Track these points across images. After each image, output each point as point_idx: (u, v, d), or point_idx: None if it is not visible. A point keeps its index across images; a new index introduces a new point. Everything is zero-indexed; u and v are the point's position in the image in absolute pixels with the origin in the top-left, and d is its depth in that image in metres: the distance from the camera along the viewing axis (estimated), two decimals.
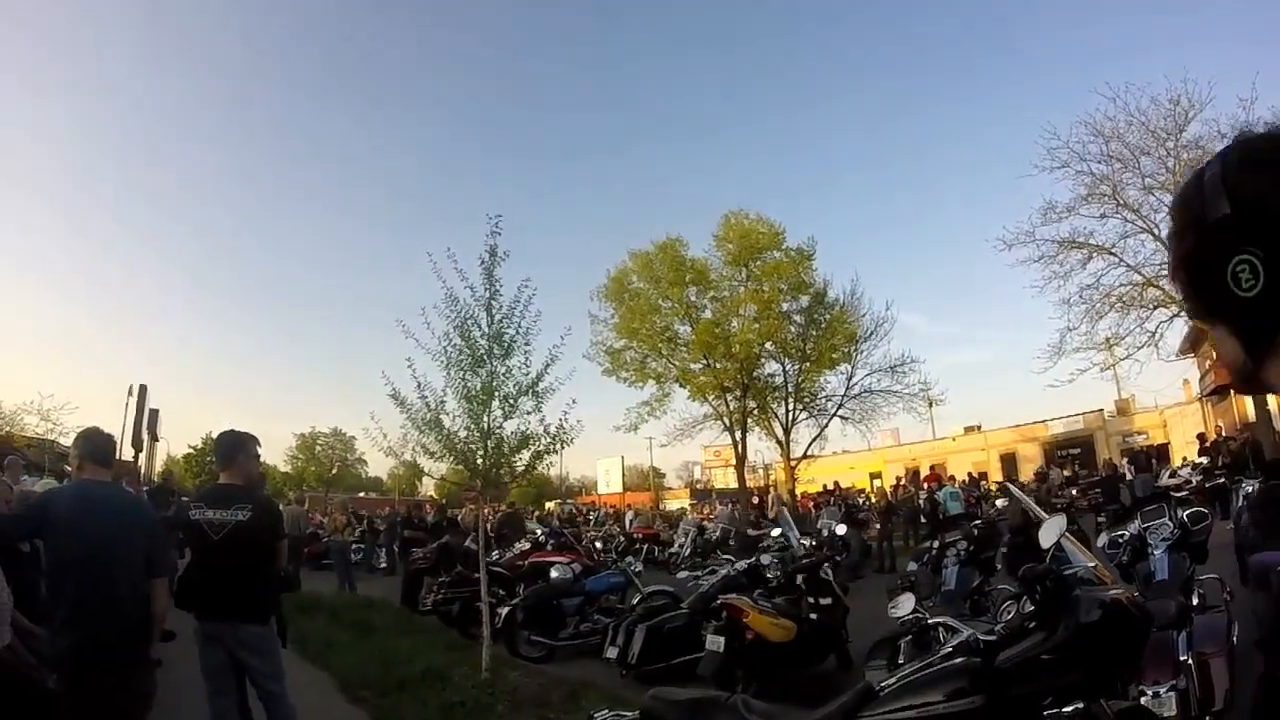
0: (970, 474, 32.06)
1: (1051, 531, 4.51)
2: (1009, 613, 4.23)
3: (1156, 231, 23.16)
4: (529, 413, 8.25)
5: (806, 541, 10.18)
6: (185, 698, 5.33)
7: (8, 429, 31.92)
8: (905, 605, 4.85)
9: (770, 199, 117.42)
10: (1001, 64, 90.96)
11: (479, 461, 8.10)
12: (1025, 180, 24.92)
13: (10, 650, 3.78)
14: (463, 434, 8.11)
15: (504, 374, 8.13)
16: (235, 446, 5.09)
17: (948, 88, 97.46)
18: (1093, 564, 4.47)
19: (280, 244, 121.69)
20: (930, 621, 4.70)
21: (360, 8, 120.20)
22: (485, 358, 8.05)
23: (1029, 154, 32.07)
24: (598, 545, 18.68)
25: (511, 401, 8.12)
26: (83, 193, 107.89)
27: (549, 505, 43.86)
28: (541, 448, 8.34)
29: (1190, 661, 4.46)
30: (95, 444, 4.29)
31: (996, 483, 31.31)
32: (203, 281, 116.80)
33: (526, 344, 8.25)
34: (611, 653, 8.69)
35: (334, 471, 73.00)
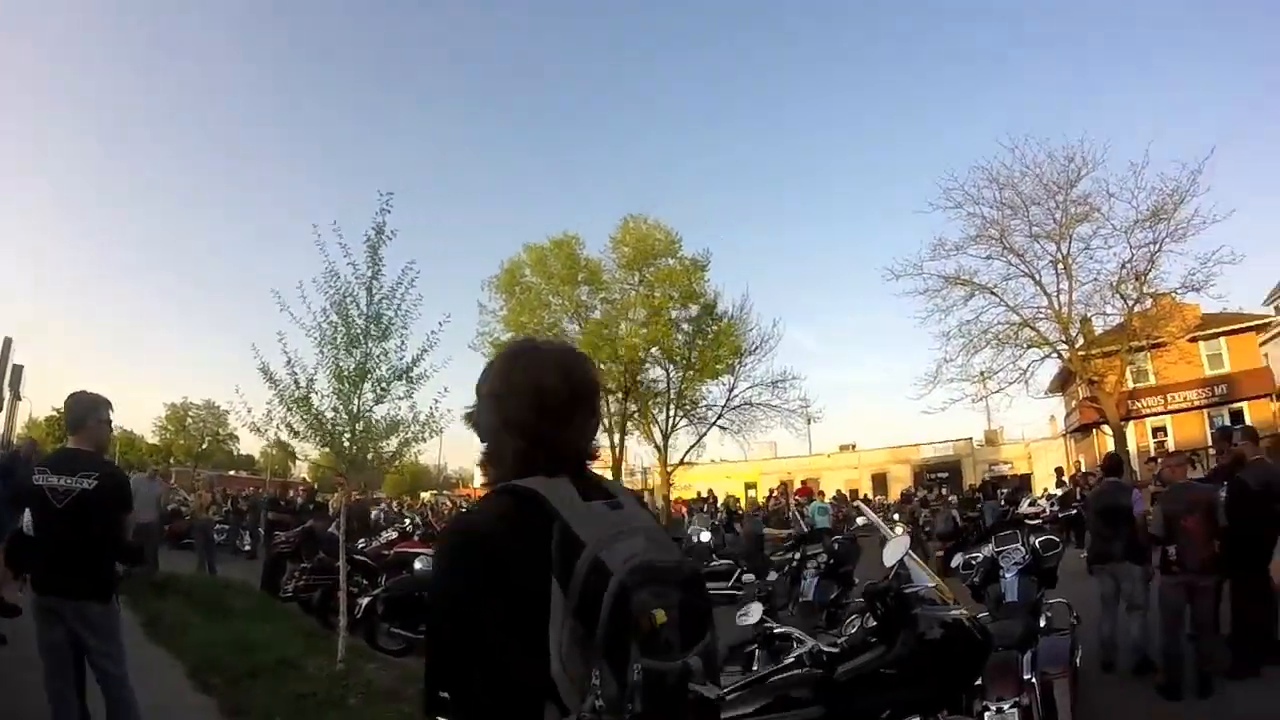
0: (840, 490, 32.85)
1: (894, 551, 4.65)
2: (854, 626, 4.34)
3: (1037, 276, 24.67)
4: (401, 398, 8.07)
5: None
6: (33, 675, 4.94)
7: None
8: (753, 614, 4.92)
9: (670, 208, 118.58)
10: (908, 101, 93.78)
11: (345, 444, 7.87)
12: (919, 215, 26.27)
13: None
14: (330, 415, 7.86)
15: (379, 356, 7.90)
16: (86, 409, 4.76)
17: (856, 122, 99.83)
18: (933, 584, 4.63)
19: (163, 203, 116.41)
20: (776, 631, 4.78)
21: None
22: (361, 338, 7.81)
23: (926, 191, 33.57)
24: None
25: (384, 385, 7.91)
26: None
27: (424, 496, 43.03)
28: (410, 435, 8.18)
29: (1034, 681, 4.64)
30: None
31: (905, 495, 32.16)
32: (79, 235, 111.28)
33: (405, 327, 8.06)
34: None
35: (204, 446, 70.51)
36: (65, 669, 4.51)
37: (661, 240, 30.60)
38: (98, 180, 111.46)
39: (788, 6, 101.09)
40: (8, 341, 19.17)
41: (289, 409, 7.76)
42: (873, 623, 4.27)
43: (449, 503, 36.78)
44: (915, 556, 5.01)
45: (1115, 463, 9.23)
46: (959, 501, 25.87)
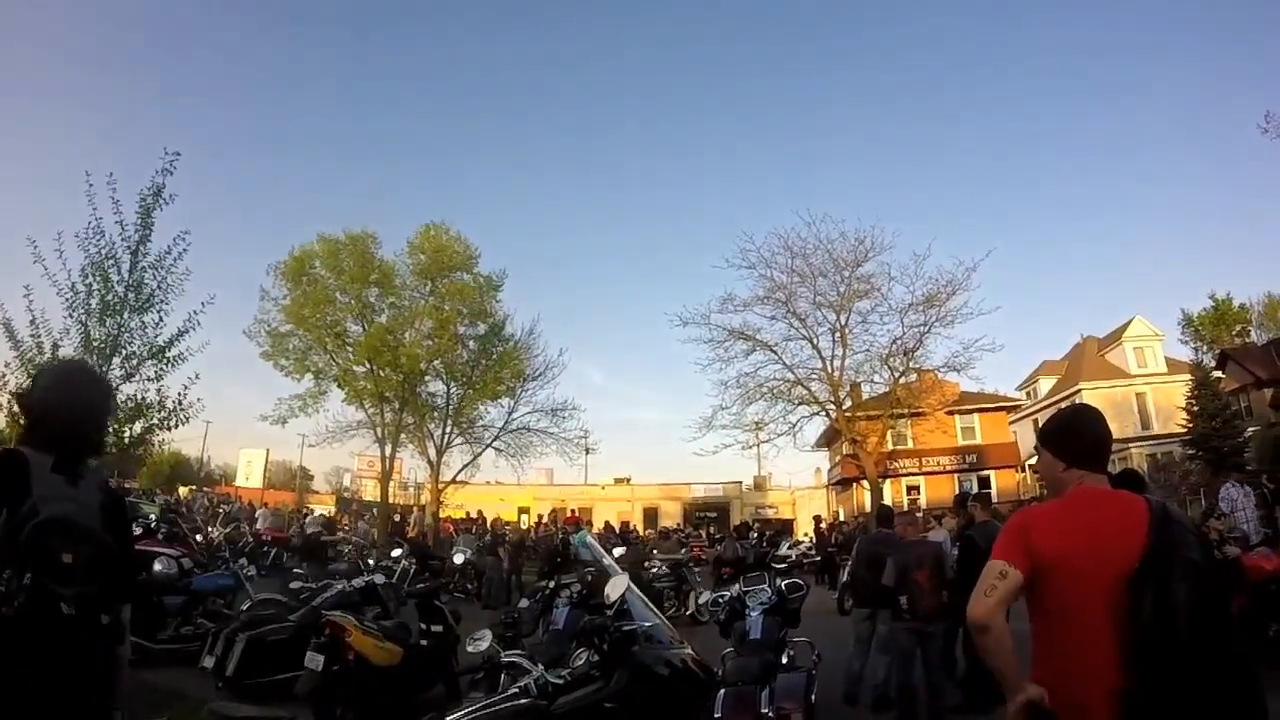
0: (608, 522, 33.24)
1: (615, 588, 4.78)
2: (581, 659, 4.35)
3: (815, 341, 26.78)
4: (150, 379, 7.40)
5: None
6: None
7: None
8: (484, 640, 4.83)
9: (471, 223, 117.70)
10: (719, 161, 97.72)
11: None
12: (715, 270, 28.15)
13: None
14: None
15: (135, 329, 7.24)
16: None
17: (671, 172, 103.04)
18: (654, 621, 4.74)
19: None
20: (503, 659, 4.72)
21: None
22: (119, 307, 7.08)
23: (723, 247, 36.78)
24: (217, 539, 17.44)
25: (136, 362, 7.25)
26: None
27: (182, 490, 40.24)
28: (157, 421, 7.51)
29: (770, 714, 4.86)
30: None
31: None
32: None
33: (166, 302, 7.42)
34: (208, 661, 7.98)
35: None
36: None
37: (459, 253, 30.11)
38: None
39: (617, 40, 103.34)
40: None
41: (27, 374, 6.91)
42: (595, 657, 4.29)
43: (207, 501, 34.55)
44: (638, 593, 5.13)
45: (887, 514, 9.82)
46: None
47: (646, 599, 5.38)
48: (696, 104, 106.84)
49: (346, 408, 30.28)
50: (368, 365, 28.65)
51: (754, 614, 6.63)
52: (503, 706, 3.97)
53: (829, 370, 26.81)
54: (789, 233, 27.12)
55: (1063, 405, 33.79)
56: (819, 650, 7.06)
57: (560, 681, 4.16)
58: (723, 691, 4.92)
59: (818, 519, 28.40)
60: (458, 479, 30.75)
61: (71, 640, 2.51)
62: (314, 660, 7.04)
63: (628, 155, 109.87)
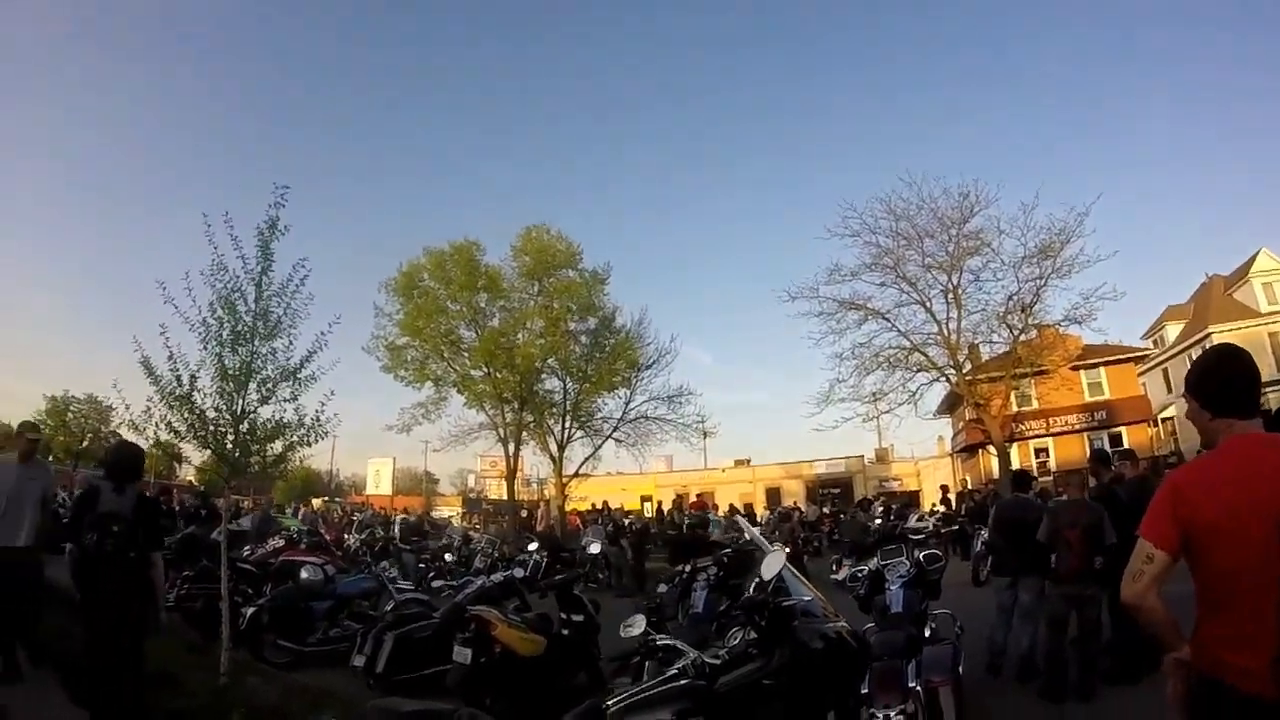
0: (733, 505, 33.11)
1: (773, 565, 4.71)
2: (736, 638, 4.37)
3: (928, 304, 25.66)
4: (287, 400, 7.76)
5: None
6: None
7: None
8: (637, 625, 4.90)
9: (572, 221, 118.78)
10: (816, 132, 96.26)
11: (228, 447, 7.50)
12: (819, 242, 27.24)
13: None
14: (213, 415, 7.46)
15: (266, 355, 7.58)
16: None
17: (762, 148, 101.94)
18: (811, 597, 4.69)
19: (47, 187, 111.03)
20: (659, 643, 4.77)
21: None
22: (248, 335, 7.48)
23: (826, 218, 34.97)
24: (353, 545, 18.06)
25: (270, 385, 7.60)
26: None
27: (315, 502, 41.82)
28: (296, 438, 7.87)
29: (919, 688, 4.70)
30: None
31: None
32: None
33: (294, 326, 7.76)
34: (358, 661, 8.28)
35: (84, 444, 67.01)
36: None
37: (562, 251, 30.46)
38: None
39: (693, 31, 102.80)
40: None
41: (170, 407, 7.35)
42: (753, 635, 4.30)
43: (340, 510, 35.86)
44: (794, 570, 5.07)
45: (1024, 478, 9.53)
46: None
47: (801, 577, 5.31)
48: (785, 71, 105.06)
49: (468, 411, 31.19)
50: (485, 369, 29.38)
51: (894, 587, 6.49)
52: (665, 689, 4.03)
53: (945, 333, 25.81)
54: (890, 195, 26.16)
55: (1192, 351, 32.13)
56: (960, 622, 6.96)
57: (717, 662, 4.19)
58: (869, 666, 4.88)
59: (944, 488, 27.42)
60: (580, 472, 31.23)
61: (116, 563, 5.60)
62: (462, 654, 7.30)
63: (716, 131, 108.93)
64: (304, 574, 10.24)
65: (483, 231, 65.80)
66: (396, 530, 22.23)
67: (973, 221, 25.13)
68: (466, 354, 29.93)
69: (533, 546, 13.90)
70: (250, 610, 9.39)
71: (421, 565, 17.52)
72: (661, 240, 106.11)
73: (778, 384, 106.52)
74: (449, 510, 52.86)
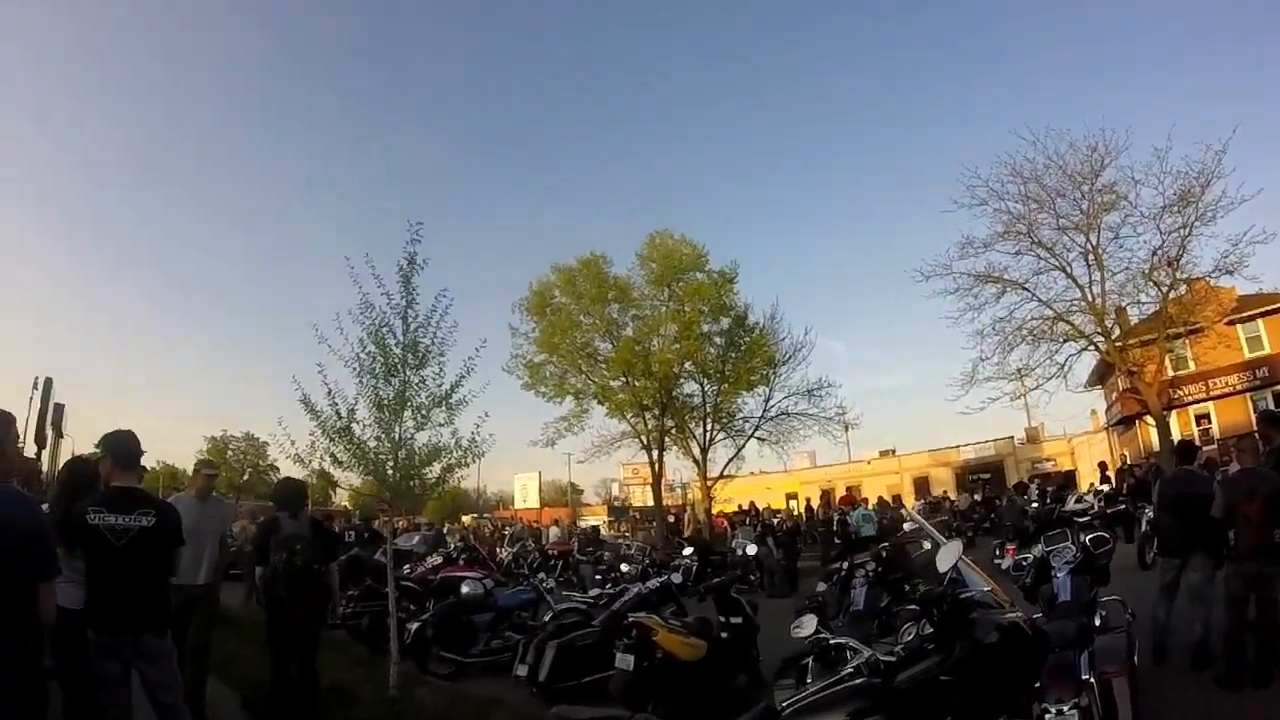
0: (881, 496, 32.38)
1: (949, 556, 4.59)
2: (910, 634, 4.28)
3: (1068, 269, 24.03)
4: (441, 425, 8.13)
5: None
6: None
7: None
8: (807, 626, 4.86)
9: (695, 222, 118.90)
10: (929, 99, 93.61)
11: (389, 473, 7.93)
12: (945, 215, 25.71)
13: None
14: (373, 444, 7.93)
15: (417, 384, 7.98)
16: (134, 447, 4.89)
17: (874, 122, 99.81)
18: (988, 587, 4.55)
19: (203, 241, 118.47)
20: (832, 642, 4.72)
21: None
22: (399, 366, 7.89)
23: (950, 189, 32.66)
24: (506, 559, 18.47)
25: (424, 412, 7.98)
26: None
27: (465, 519, 43.03)
28: (453, 460, 8.21)
29: (1092, 680, 4.54)
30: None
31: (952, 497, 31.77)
32: (118, 275, 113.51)
33: (441, 354, 8.14)
34: (521, 670, 8.48)
35: (245, 478, 71.12)
36: (123, 701, 4.53)
37: (688, 254, 30.47)
38: (132, 216, 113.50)
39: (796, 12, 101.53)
40: (48, 382, 19.52)
41: (331, 439, 7.83)
42: (929, 629, 4.22)
43: (490, 525, 36.80)
44: (969, 561, 4.94)
45: (1188, 449, 8.91)
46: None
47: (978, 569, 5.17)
48: (894, 43, 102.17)
49: (609, 421, 31.44)
50: (623, 378, 29.63)
51: (1061, 575, 6.21)
52: (840, 688, 3.99)
53: (1089, 298, 24.06)
54: (1014, 157, 24.51)
55: None
56: (1131, 609, 6.60)
57: (892, 659, 4.14)
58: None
59: (1103, 465, 25.73)
60: (725, 474, 31.08)
61: (302, 576, 6.66)
62: (624, 660, 7.41)
63: (827, 111, 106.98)
64: (465, 588, 10.57)
65: (602, 243, 65.88)
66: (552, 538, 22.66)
67: (1105, 174, 23.19)
68: (604, 365, 30.28)
69: (687, 551, 13.97)
70: (415, 625, 9.76)
71: (598, 576, 17.80)
72: (786, 232, 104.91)
73: (918, 368, 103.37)
74: (595, 519, 53.55)
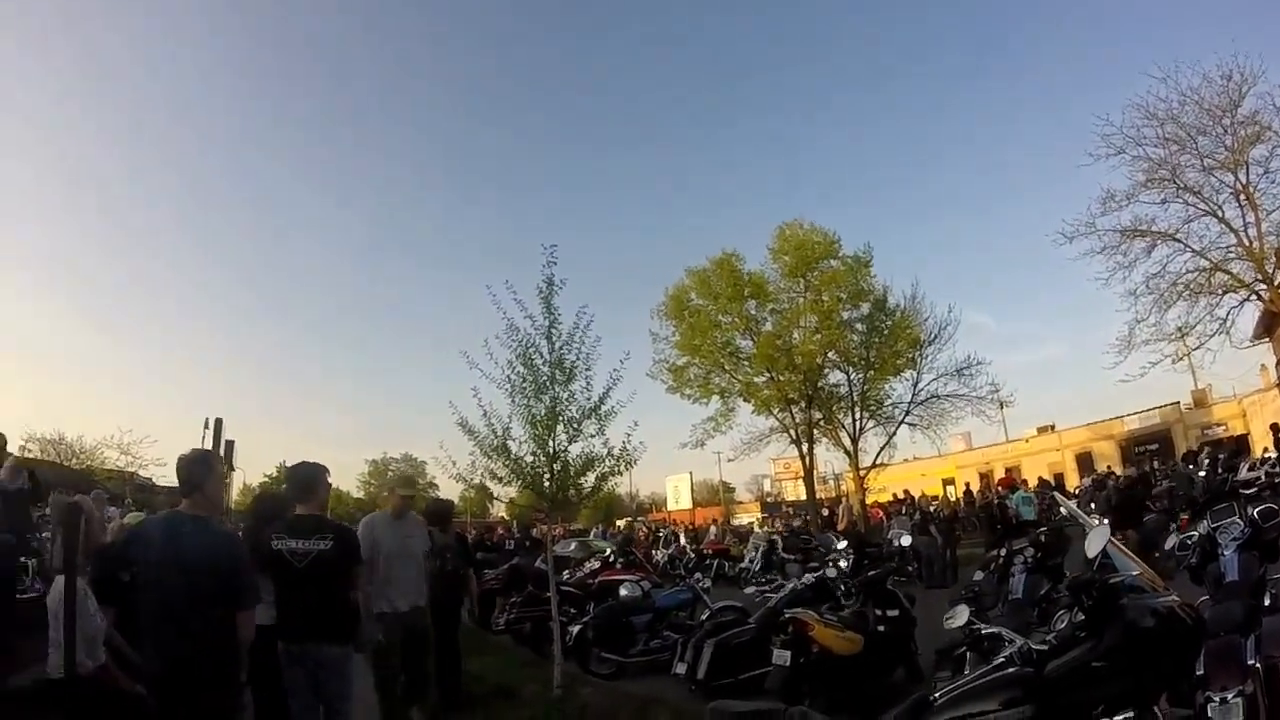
0: (1042, 477, 30.98)
1: (1096, 541, 4.49)
2: (1063, 621, 4.23)
3: (1220, 213, 21.99)
4: (593, 435, 8.45)
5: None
6: None
7: (89, 463, 33.82)
8: (959, 616, 4.87)
9: (821, 209, 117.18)
10: (1045, 51, 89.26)
11: (546, 485, 8.30)
12: (1082, 170, 23.54)
13: (105, 669, 4.80)
14: (529, 459, 8.32)
15: (567, 399, 8.34)
16: (313, 479, 5.31)
17: (994, 81, 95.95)
18: (1137, 571, 4.43)
19: (348, 277, 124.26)
20: (984, 631, 4.71)
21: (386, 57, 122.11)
22: (548, 384, 8.27)
23: (1083, 142, 29.86)
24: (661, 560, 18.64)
25: (575, 425, 8.33)
26: (144, 232, 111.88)
27: (619, 524, 43.51)
28: (606, 469, 8.52)
29: (1258, 666, 4.19)
30: (181, 475, 4.31)
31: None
32: (274, 313, 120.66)
33: (588, 369, 8.46)
34: (680, 668, 8.66)
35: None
36: (311, 704, 5.01)
37: (820, 242, 30.10)
38: (287, 258, 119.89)
39: None
40: (218, 422, 20.95)
41: (489, 457, 8.31)
42: (1080, 616, 4.17)
43: (644, 528, 37.21)
44: (1118, 544, 4.83)
45: None
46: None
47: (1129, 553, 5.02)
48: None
49: (756, 418, 31.41)
50: (766, 374, 29.63)
51: (1228, 552, 5.93)
52: (992, 678, 3.99)
53: (1246, 242, 21.83)
54: (1146, 99, 22.45)
55: None
56: None
57: (1044, 647, 4.10)
58: (1204, 644, 4.55)
59: (1275, 428, 23.56)
60: (877, 462, 30.39)
61: (451, 578, 7.92)
62: (781, 656, 7.54)
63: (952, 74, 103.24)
64: (623, 591, 10.88)
65: (730, 241, 65.14)
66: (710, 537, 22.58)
67: (1245, 104, 20.84)
68: (746, 362, 30.31)
69: (841, 545, 13.90)
70: (576, 628, 10.13)
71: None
72: (917, 209, 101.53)
73: (1072, 336, 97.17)
74: (748, 517, 53.32)
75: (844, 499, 33.89)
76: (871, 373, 29.17)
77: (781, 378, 29.27)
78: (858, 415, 30.01)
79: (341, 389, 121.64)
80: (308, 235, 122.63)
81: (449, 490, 75.60)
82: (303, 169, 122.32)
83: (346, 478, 73.07)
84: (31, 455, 29.44)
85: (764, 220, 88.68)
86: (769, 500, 63.20)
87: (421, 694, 6.77)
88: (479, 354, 8.46)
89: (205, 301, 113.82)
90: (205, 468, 4.30)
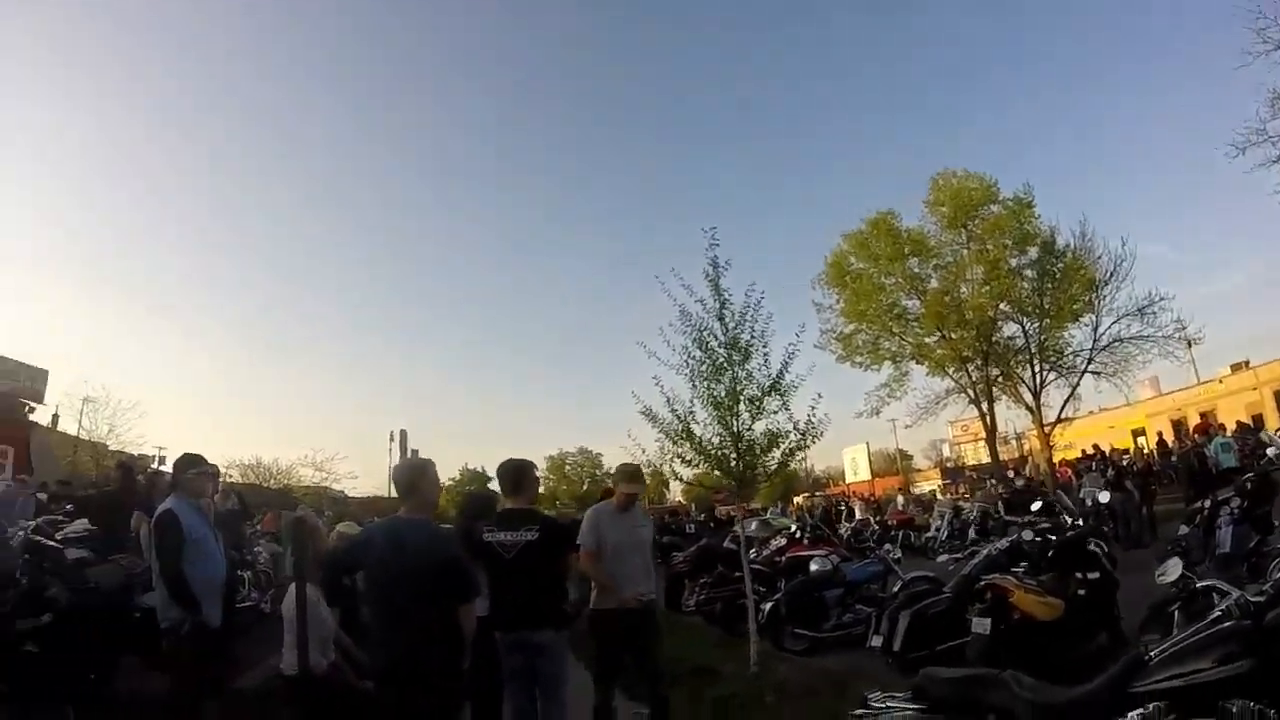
0: (1240, 421, 28.53)
1: None
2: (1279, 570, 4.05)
3: None
4: (775, 412, 8.53)
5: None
6: None
7: (285, 481, 37.88)
8: (1172, 570, 4.71)
9: (968, 155, 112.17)
10: None
11: (733, 464, 8.43)
12: (1242, 72, 20.79)
13: (334, 667, 5.24)
14: (715, 440, 8.46)
15: (745, 378, 8.42)
16: (520, 474, 5.63)
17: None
18: None
19: (509, 285, 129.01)
20: (1198, 585, 4.55)
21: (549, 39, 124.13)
22: (725, 365, 8.39)
23: (1238, 40, 26.40)
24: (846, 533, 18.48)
25: (757, 403, 8.41)
26: (312, 258, 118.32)
27: (797, 500, 43.17)
28: (792, 444, 8.59)
29: None
30: (400, 482, 4.62)
31: None
32: (443, 324, 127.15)
33: (764, 346, 8.52)
34: (875, 641, 8.61)
35: (585, 488, 76.05)
36: (526, 689, 5.29)
37: (977, 189, 28.89)
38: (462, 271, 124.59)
39: None
40: (403, 433, 22.35)
41: (675, 442, 8.50)
42: None
43: (824, 503, 36.88)
44: None
45: None
46: None
47: None
48: None
49: (931, 380, 30.57)
50: (937, 333, 28.83)
51: None
52: (1207, 634, 3.88)
53: None
54: None
55: None
56: None
57: (1262, 599, 3.88)
58: None
59: None
60: (1062, 417, 28.61)
61: None
62: (980, 624, 7.43)
63: None
64: (813, 566, 10.92)
65: (884, 201, 62.35)
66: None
67: None
68: (915, 323, 29.50)
69: (1036, 505, 13.45)
70: (768, 605, 10.21)
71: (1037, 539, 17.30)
72: (1074, 139, 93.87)
73: (1260, 258, 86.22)
74: (928, 485, 52.04)
75: (1029, 459, 32.61)
76: (1048, 321, 27.67)
77: (953, 335, 28.39)
78: (1037, 368, 28.48)
79: (513, 390, 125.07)
80: (470, 244, 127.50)
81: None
82: (471, 173, 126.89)
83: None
84: (233, 480, 32.07)
85: (916, 177, 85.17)
86: (949, 465, 61.18)
87: (653, 688, 6.29)
88: (656, 344, 8.73)
89: (378, 319, 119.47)
90: (420, 473, 4.60)
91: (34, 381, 35.67)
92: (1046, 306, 27.50)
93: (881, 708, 3.62)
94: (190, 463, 5.94)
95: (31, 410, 35.49)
